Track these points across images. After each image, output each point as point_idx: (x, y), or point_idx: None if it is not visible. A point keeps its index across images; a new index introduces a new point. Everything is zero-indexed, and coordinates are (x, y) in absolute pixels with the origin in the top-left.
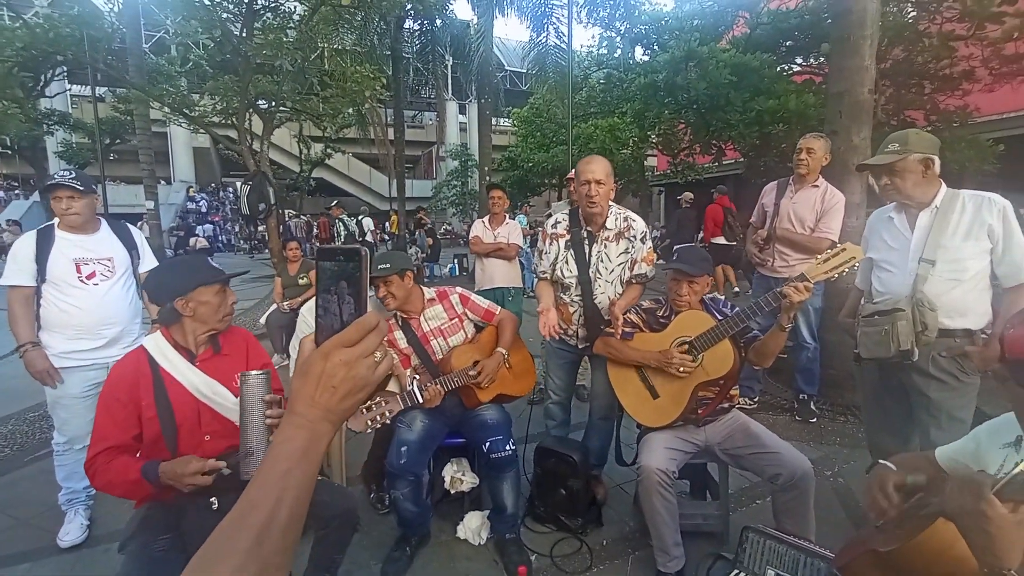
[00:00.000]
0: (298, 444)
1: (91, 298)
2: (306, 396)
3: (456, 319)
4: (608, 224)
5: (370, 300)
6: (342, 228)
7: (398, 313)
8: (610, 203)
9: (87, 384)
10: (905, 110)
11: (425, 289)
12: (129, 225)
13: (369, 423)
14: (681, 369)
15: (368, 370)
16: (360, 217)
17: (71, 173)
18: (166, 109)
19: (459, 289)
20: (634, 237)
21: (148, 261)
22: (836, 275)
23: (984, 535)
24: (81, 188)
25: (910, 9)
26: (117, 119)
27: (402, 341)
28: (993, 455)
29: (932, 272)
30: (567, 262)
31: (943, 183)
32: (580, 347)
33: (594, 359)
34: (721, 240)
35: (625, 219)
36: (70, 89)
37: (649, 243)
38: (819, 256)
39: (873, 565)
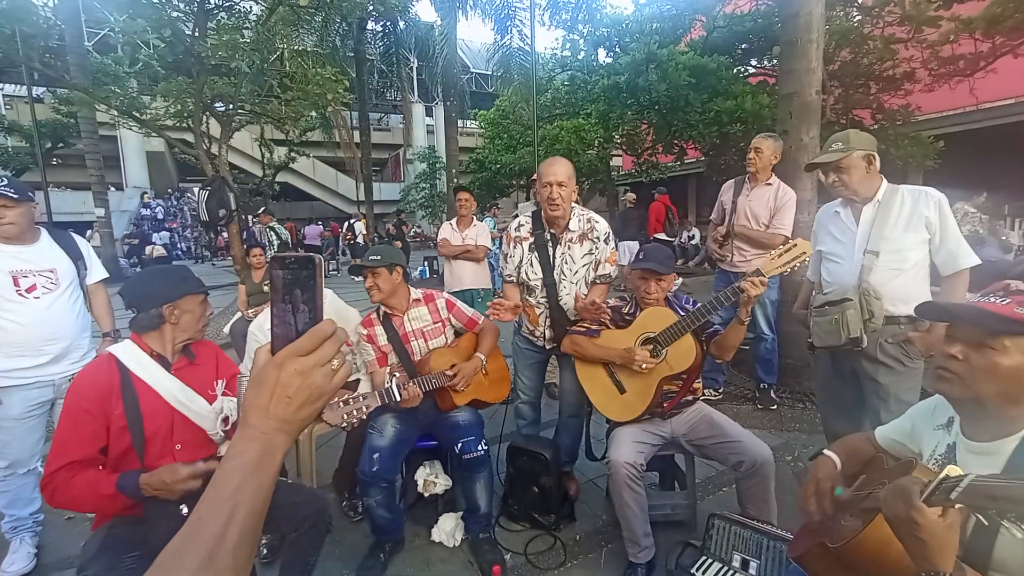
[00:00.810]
0: (251, 457)
1: (32, 312)
2: (260, 407)
3: (439, 323)
4: (571, 226)
5: (327, 305)
6: (274, 237)
7: (381, 308)
8: (572, 205)
9: (29, 404)
10: (853, 109)
11: (412, 289)
12: (74, 234)
13: (345, 417)
14: (643, 366)
15: (325, 379)
16: (353, 221)
17: (3, 180)
18: (114, 112)
19: (446, 294)
20: (597, 238)
21: (96, 272)
22: (789, 269)
23: (917, 541)
24: (15, 196)
25: (855, 13)
26: (59, 121)
27: (382, 337)
28: (927, 436)
29: (876, 262)
30: (532, 264)
31: (884, 179)
32: (548, 347)
33: (562, 358)
34: (662, 235)
35: (588, 220)
36: (2, 88)
37: (612, 244)
38: (773, 251)
39: (823, 556)
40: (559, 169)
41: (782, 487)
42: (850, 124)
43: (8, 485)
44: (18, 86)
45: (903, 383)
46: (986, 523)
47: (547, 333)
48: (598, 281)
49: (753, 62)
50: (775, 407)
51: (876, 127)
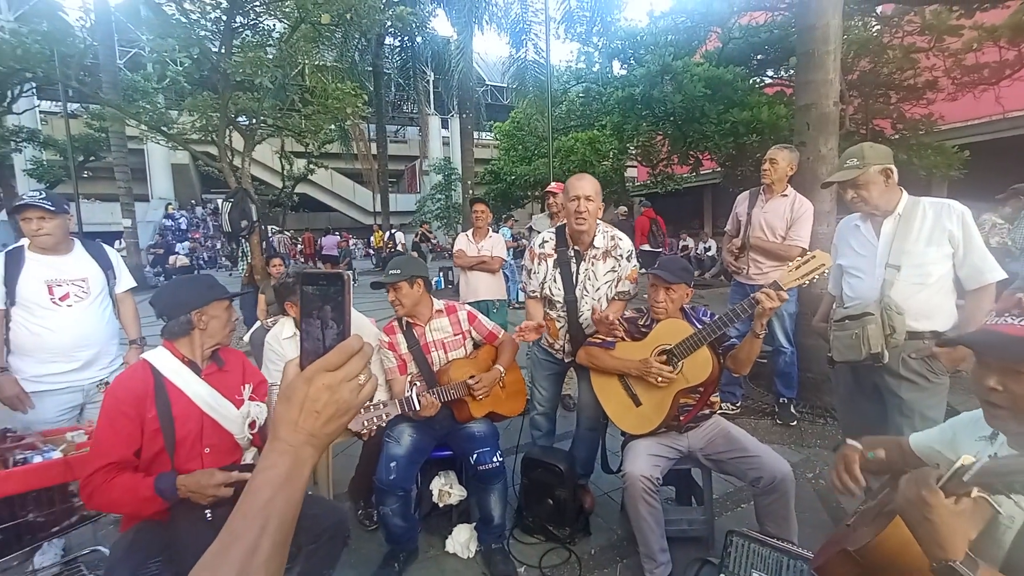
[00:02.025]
0: (281, 470)
1: (65, 320)
2: (289, 421)
3: (460, 335)
4: (596, 243)
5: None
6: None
7: (404, 318)
8: (597, 221)
9: (60, 408)
10: (873, 119)
11: (435, 300)
12: (104, 244)
13: (366, 423)
14: (659, 379)
15: (352, 394)
16: (393, 231)
17: (41, 193)
18: (143, 126)
19: (468, 307)
20: (620, 256)
21: (125, 281)
22: (807, 281)
23: (928, 524)
24: (52, 208)
25: (874, 23)
26: (91, 136)
27: (402, 346)
28: (968, 446)
29: (898, 277)
30: (555, 281)
31: (904, 191)
32: (566, 360)
33: (580, 371)
34: (647, 247)
35: (612, 237)
36: (39, 105)
37: (635, 262)
38: (791, 263)
39: (844, 563)
40: (587, 184)
41: (802, 505)
42: (870, 134)
43: None
44: (54, 103)
45: (928, 399)
46: (1000, 511)
47: (567, 347)
48: (617, 298)
49: (769, 72)
50: (795, 422)
51: (897, 137)
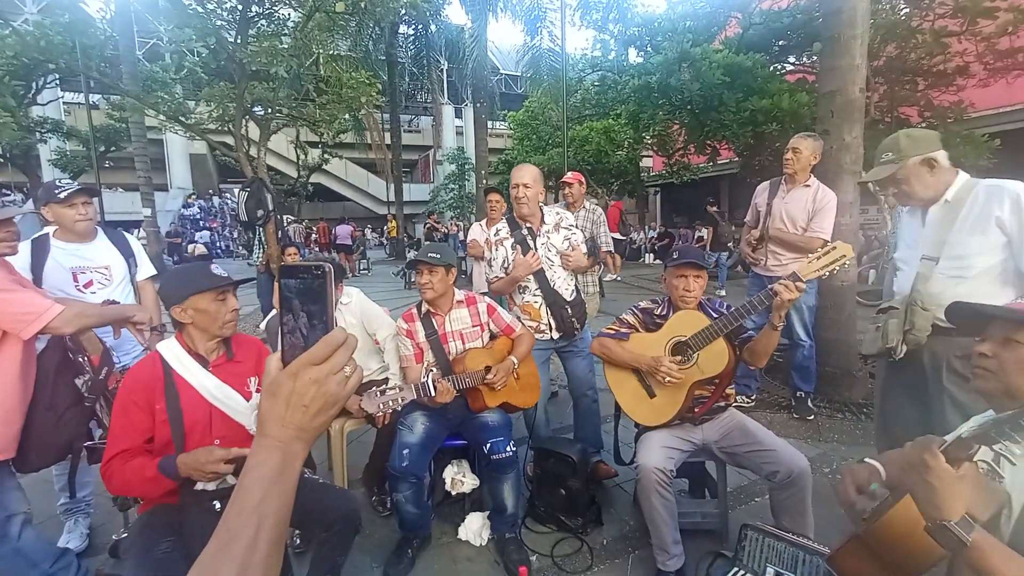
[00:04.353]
0: (272, 467)
1: None
2: (276, 417)
3: (478, 326)
4: (546, 220)
5: (337, 316)
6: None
7: (423, 305)
8: (540, 204)
9: None
10: (898, 107)
11: (456, 291)
12: (125, 233)
13: (381, 406)
14: (667, 380)
15: (339, 386)
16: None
17: (73, 184)
18: (162, 116)
19: (487, 299)
20: (571, 226)
21: (145, 268)
22: (827, 273)
23: (927, 486)
24: (94, 195)
25: (902, 6)
26: (112, 126)
27: (420, 334)
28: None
29: (935, 270)
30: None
31: (960, 173)
32: (554, 337)
33: (562, 353)
34: (616, 235)
35: (557, 213)
36: (63, 96)
37: (579, 234)
38: (811, 255)
39: (856, 550)
40: (525, 173)
41: (818, 500)
42: (896, 122)
43: (64, 467)
44: (76, 94)
45: (977, 401)
46: (1003, 475)
47: (551, 323)
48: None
49: (791, 59)
50: (812, 417)
51: (924, 125)
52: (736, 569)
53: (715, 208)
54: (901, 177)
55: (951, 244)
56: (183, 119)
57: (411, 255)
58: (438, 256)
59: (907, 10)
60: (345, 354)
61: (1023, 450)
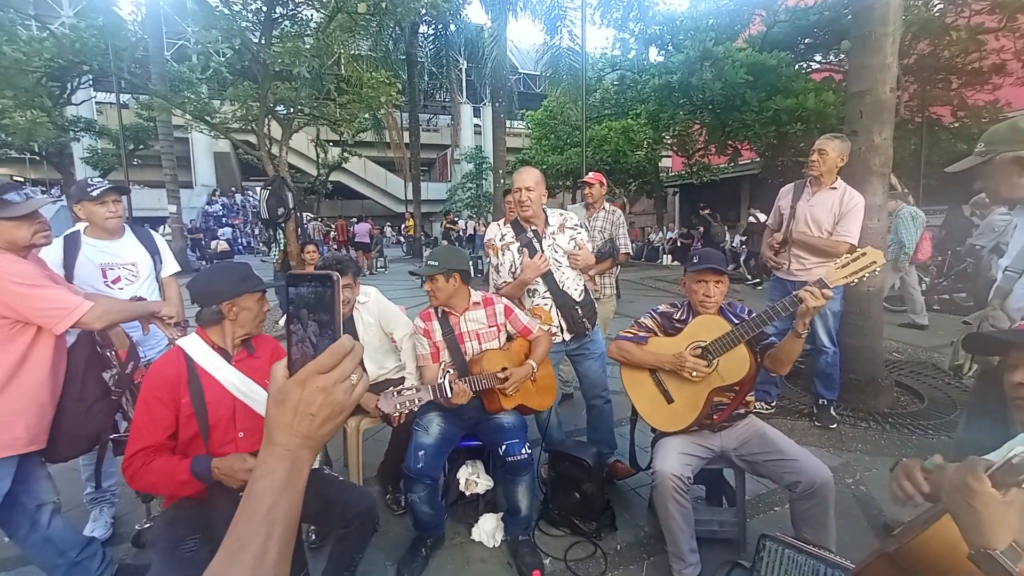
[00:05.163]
0: (280, 475)
1: None
2: (284, 425)
3: (495, 327)
4: (550, 221)
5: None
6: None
7: (440, 306)
8: (544, 207)
9: None
10: (930, 106)
11: (473, 291)
12: (151, 230)
13: (398, 407)
14: (694, 374)
15: (345, 395)
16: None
17: (104, 181)
18: (188, 116)
19: (505, 300)
20: (575, 226)
21: (170, 265)
22: (856, 280)
23: (971, 511)
24: (124, 193)
25: (936, 2)
26: (141, 125)
27: (437, 333)
28: None
29: (1016, 284)
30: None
31: None
32: (565, 339)
33: (573, 356)
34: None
35: (560, 215)
36: (95, 96)
37: (584, 233)
38: (839, 260)
39: (884, 571)
40: (527, 176)
41: (841, 511)
42: (926, 122)
43: (90, 458)
44: (107, 94)
45: None
46: None
47: (562, 324)
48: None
49: (817, 57)
50: (835, 425)
51: (957, 125)
52: None
53: (707, 211)
54: (986, 173)
55: None
56: (208, 118)
57: (428, 253)
58: (436, 264)
59: (941, 6)
60: (352, 362)
61: None
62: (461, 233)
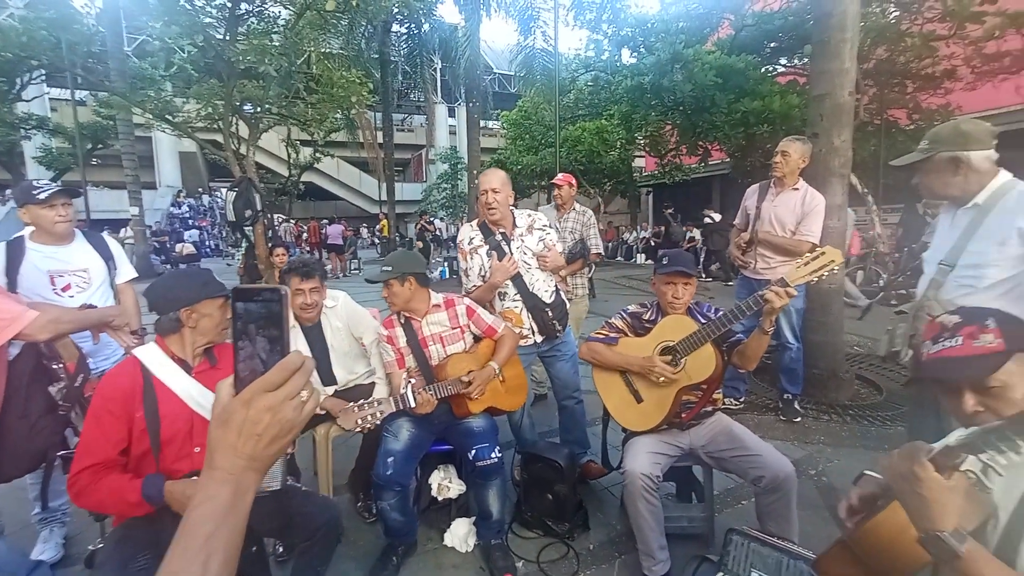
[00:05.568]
0: (223, 500)
1: None
2: (227, 446)
3: (458, 329)
4: (518, 223)
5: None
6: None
7: (401, 312)
8: (511, 208)
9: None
10: (887, 109)
11: (433, 294)
12: (105, 235)
13: (359, 422)
14: (660, 379)
15: (295, 412)
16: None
17: (55, 184)
18: (148, 115)
19: (467, 300)
20: (544, 227)
21: (125, 271)
22: (816, 278)
23: (918, 498)
24: (75, 196)
25: (892, 9)
26: (99, 123)
27: (401, 340)
28: None
29: (948, 276)
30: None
31: (1001, 174)
32: (537, 340)
33: (545, 357)
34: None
35: (529, 216)
36: (48, 93)
37: (553, 233)
38: (800, 259)
39: (841, 556)
40: (493, 178)
41: (804, 502)
42: (885, 124)
43: (38, 477)
44: (63, 90)
45: None
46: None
47: (533, 327)
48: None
49: (783, 61)
50: (799, 419)
51: (912, 127)
52: (721, 574)
53: (670, 211)
54: (925, 169)
55: (969, 252)
56: (170, 117)
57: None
58: (390, 269)
59: (897, 14)
60: (302, 379)
61: (1009, 460)
62: (437, 234)
